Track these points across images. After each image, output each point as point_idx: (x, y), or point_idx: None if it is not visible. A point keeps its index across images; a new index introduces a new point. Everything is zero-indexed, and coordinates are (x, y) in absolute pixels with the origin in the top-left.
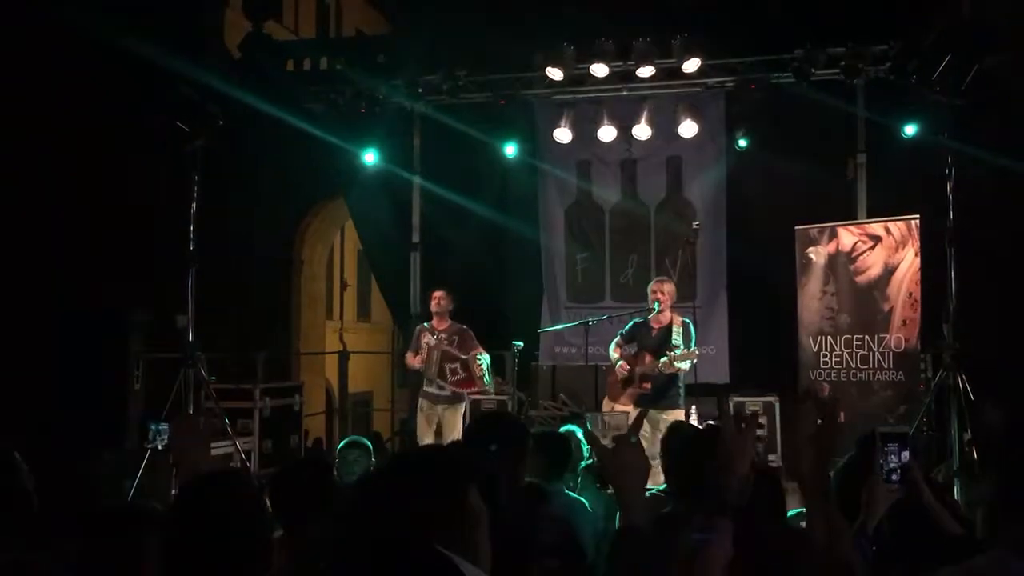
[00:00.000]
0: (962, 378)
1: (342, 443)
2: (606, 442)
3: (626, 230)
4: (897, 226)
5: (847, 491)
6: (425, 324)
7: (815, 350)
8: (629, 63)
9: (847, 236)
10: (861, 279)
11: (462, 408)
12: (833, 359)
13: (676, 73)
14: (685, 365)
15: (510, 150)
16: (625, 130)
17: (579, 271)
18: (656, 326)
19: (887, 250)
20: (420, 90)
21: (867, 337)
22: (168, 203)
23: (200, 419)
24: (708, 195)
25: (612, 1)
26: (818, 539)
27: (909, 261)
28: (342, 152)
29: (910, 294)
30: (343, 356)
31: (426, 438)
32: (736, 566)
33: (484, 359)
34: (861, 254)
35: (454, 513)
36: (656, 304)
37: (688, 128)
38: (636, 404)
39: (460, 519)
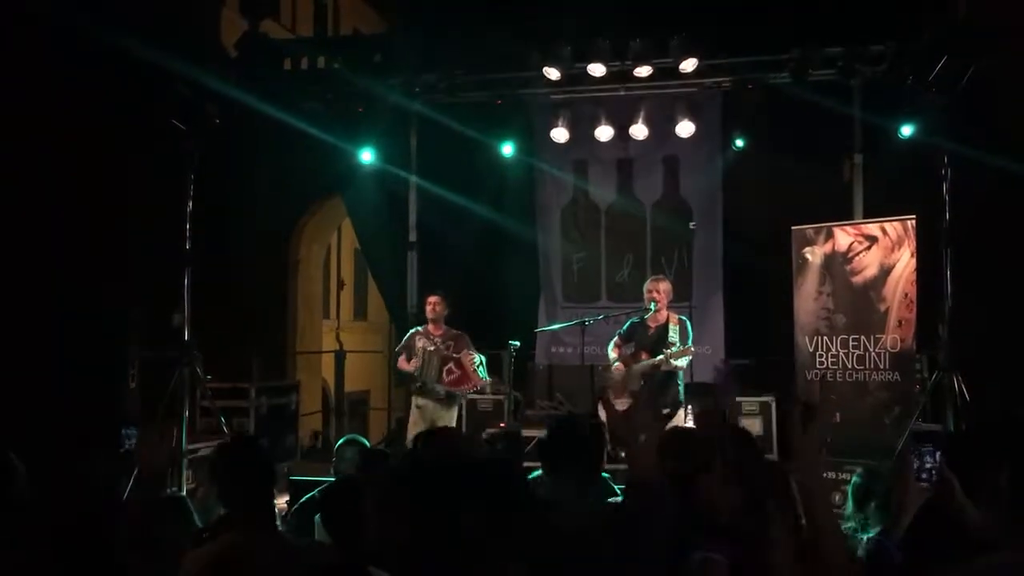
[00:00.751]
0: (958, 379)
1: (340, 441)
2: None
3: (622, 229)
4: (893, 226)
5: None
6: (419, 328)
7: (811, 350)
8: (626, 63)
9: (843, 236)
10: (857, 279)
11: (455, 409)
12: (829, 359)
13: (673, 73)
14: (682, 362)
15: (507, 149)
16: (622, 130)
17: (575, 270)
18: (653, 325)
19: (883, 250)
20: (417, 89)
21: (863, 337)
22: (165, 202)
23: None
24: (704, 195)
25: (609, 1)
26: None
27: (905, 262)
28: (339, 151)
29: (906, 294)
30: (339, 355)
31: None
32: None
33: (478, 356)
34: (857, 254)
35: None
36: (652, 304)
37: (685, 128)
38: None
39: None
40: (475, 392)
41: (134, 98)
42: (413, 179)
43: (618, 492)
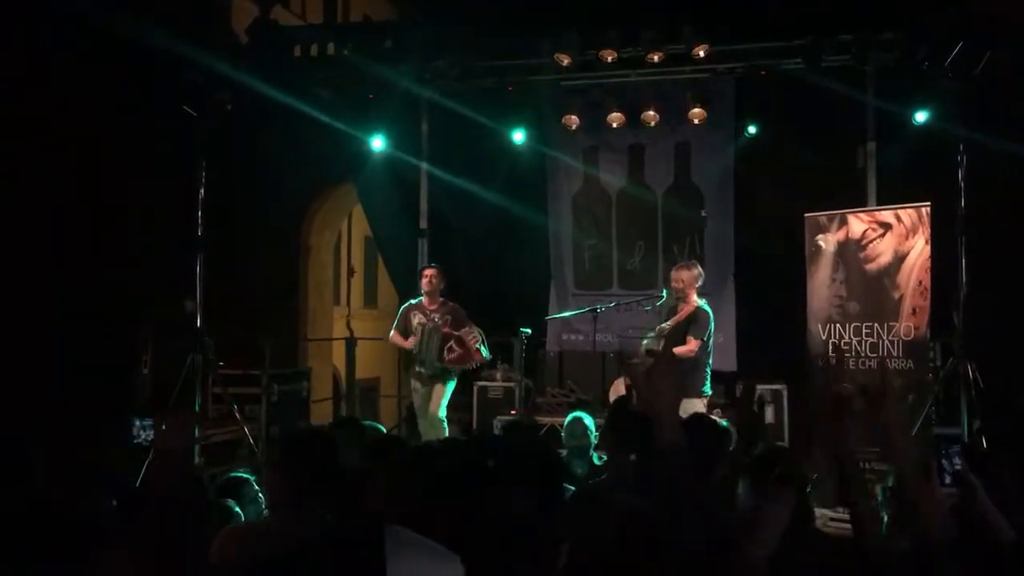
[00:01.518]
0: (972, 366)
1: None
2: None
3: (633, 216)
4: (908, 213)
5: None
6: (412, 302)
7: (824, 338)
8: (638, 49)
9: (857, 224)
10: (871, 267)
11: (453, 381)
12: (842, 347)
13: (685, 59)
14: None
15: (518, 136)
16: (633, 116)
17: (587, 258)
18: (680, 313)
19: (897, 238)
20: (427, 76)
21: (876, 325)
22: (176, 189)
23: (188, 413)
24: (716, 182)
25: None
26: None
27: (919, 249)
28: (350, 138)
29: (920, 282)
30: (350, 342)
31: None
32: None
33: (479, 332)
34: (871, 242)
35: None
36: (664, 292)
37: (697, 114)
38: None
39: None
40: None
41: (146, 84)
42: (424, 166)
43: None
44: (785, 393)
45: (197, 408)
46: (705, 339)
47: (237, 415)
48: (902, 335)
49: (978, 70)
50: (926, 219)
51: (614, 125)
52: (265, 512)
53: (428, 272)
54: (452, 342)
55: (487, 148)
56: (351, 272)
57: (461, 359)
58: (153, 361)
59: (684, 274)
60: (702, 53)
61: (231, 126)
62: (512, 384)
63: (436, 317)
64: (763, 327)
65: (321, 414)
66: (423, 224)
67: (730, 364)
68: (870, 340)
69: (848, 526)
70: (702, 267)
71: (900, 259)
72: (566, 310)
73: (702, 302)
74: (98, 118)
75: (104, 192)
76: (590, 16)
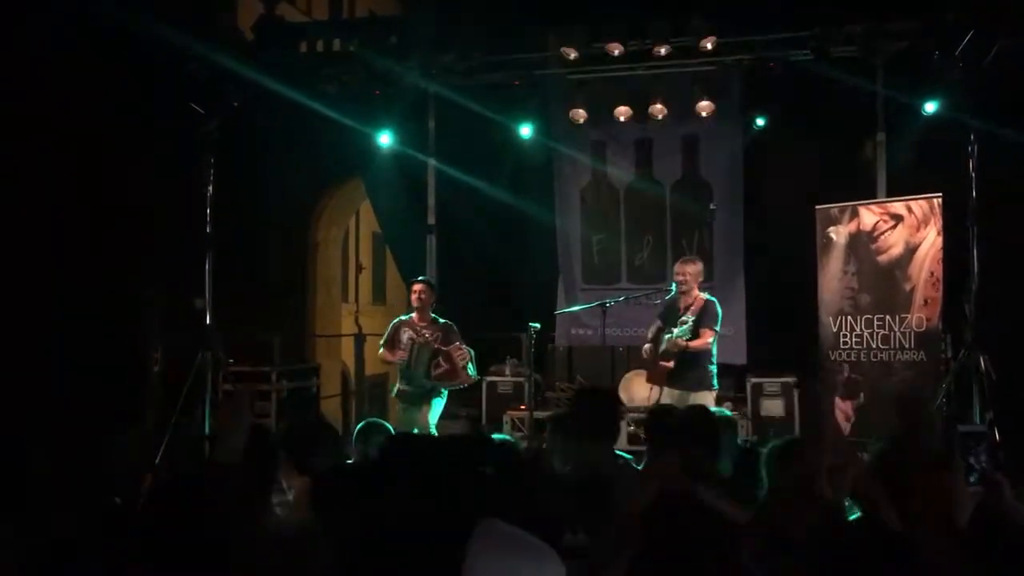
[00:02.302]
0: (984, 358)
1: (360, 424)
2: None
3: (641, 210)
4: (919, 205)
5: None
6: (403, 318)
7: (835, 330)
8: (645, 42)
9: (868, 215)
10: (882, 258)
11: (443, 400)
12: (853, 339)
13: (692, 52)
14: (696, 342)
15: (525, 131)
16: (640, 110)
17: (595, 252)
18: (683, 306)
19: (909, 229)
20: (434, 71)
21: (888, 317)
22: (183, 186)
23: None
24: (725, 175)
25: None
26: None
27: (931, 240)
28: (357, 134)
29: (932, 273)
30: (359, 339)
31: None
32: None
33: (469, 351)
34: (882, 233)
35: None
36: (673, 285)
37: (705, 107)
38: (667, 383)
39: None
40: (496, 375)
41: (153, 81)
42: (431, 161)
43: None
44: (795, 386)
45: (208, 406)
46: (718, 330)
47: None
48: (914, 327)
49: (988, 59)
50: (937, 210)
51: (621, 119)
52: None
53: (417, 287)
54: (440, 357)
55: (494, 143)
56: (359, 268)
57: (448, 375)
58: (163, 359)
59: (690, 267)
60: (709, 45)
61: (238, 123)
62: (521, 379)
63: (427, 334)
64: (774, 320)
65: (330, 410)
66: (431, 220)
67: (740, 357)
68: (882, 332)
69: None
70: (712, 261)
71: (912, 251)
72: (574, 305)
73: (707, 295)
74: (104, 116)
75: (111, 190)
76: (596, 9)
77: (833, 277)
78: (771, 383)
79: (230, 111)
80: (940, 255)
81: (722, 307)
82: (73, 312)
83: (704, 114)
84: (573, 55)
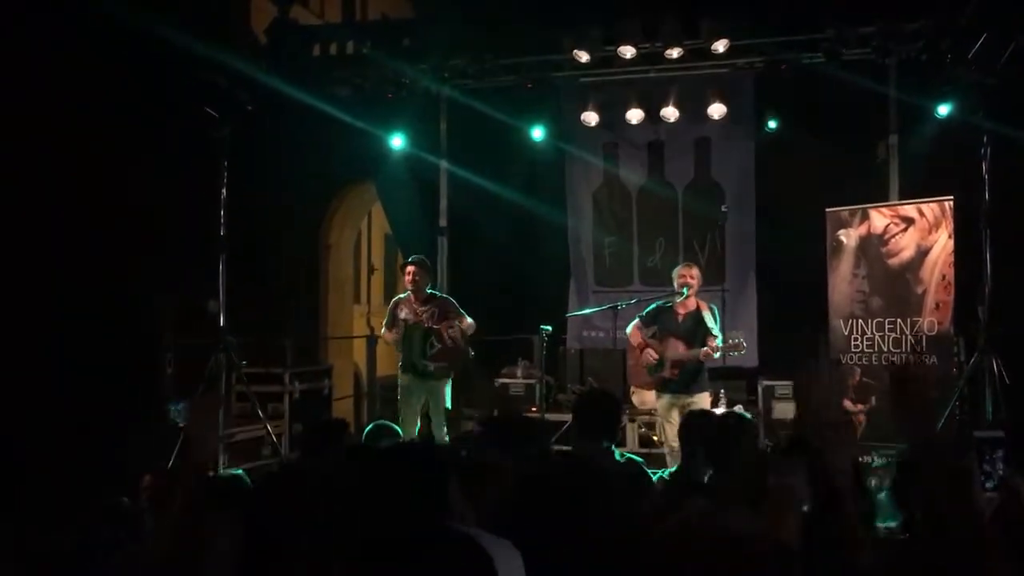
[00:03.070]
0: (997, 361)
1: (370, 426)
2: None
3: (653, 213)
4: (930, 208)
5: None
6: (401, 296)
7: (846, 333)
8: (657, 44)
9: (879, 218)
10: (893, 262)
11: (448, 386)
12: (864, 343)
13: (704, 54)
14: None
15: (537, 133)
16: (653, 112)
17: (607, 255)
18: (682, 311)
19: (920, 232)
20: (446, 74)
21: (899, 320)
22: (197, 189)
23: (217, 398)
24: (737, 177)
25: None
26: None
27: (943, 243)
28: (369, 137)
29: (943, 276)
30: (371, 340)
31: (409, 418)
32: None
33: (463, 328)
34: (893, 236)
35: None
36: (685, 289)
37: (717, 110)
38: (660, 390)
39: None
40: (507, 377)
41: (167, 85)
42: (443, 164)
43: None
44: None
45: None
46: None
47: (260, 413)
48: (926, 330)
49: (1002, 62)
50: (949, 213)
51: (633, 121)
52: None
53: (410, 269)
54: (433, 337)
55: (506, 145)
56: (371, 270)
57: (439, 356)
58: (177, 361)
59: (696, 271)
60: (721, 48)
61: (251, 126)
62: (533, 381)
63: (423, 312)
64: (784, 323)
65: (343, 412)
66: (442, 222)
67: (751, 360)
68: (893, 335)
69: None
70: (723, 263)
71: (923, 253)
72: (586, 307)
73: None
74: (118, 120)
75: (126, 193)
76: (609, 12)
77: (843, 280)
78: (783, 386)
79: (244, 115)
80: (952, 258)
81: (733, 309)
82: (87, 314)
83: (716, 116)
84: (585, 58)
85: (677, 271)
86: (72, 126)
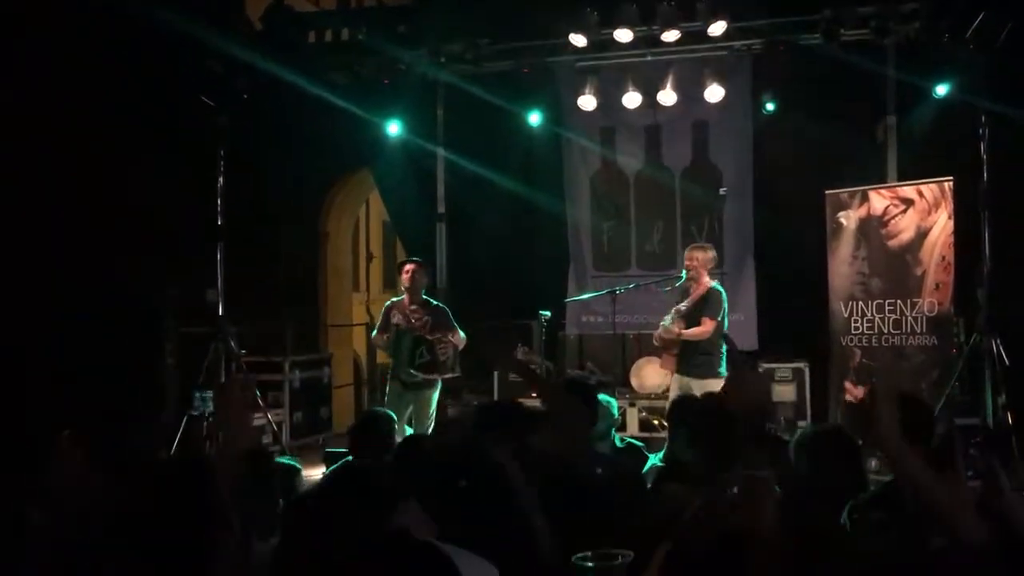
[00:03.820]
0: (996, 341)
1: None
2: None
3: (651, 197)
4: (930, 188)
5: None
6: (395, 300)
7: (846, 315)
8: (653, 27)
9: (878, 200)
10: (893, 243)
11: (435, 393)
12: (864, 324)
13: (701, 37)
14: (693, 330)
15: (534, 118)
16: (650, 96)
17: (605, 239)
18: (692, 293)
19: (919, 213)
20: (443, 60)
21: (899, 302)
22: (194, 178)
23: (242, 384)
24: (735, 160)
25: None
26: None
27: (942, 224)
28: (366, 124)
29: (943, 257)
30: (370, 328)
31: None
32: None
33: (455, 344)
34: (893, 218)
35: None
36: (684, 272)
37: (714, 93)
38: (676, 369)
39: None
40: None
41: (165, 74)
42: (440, 150)
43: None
44: (807, 371)
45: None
46: (720, 319)
47: (260, 402)
48: (925, 311)
49: (1000, 41)
50: (948, 194)
51: (631, 105)
52: None
53: (409, 267)
54: (423, 347)
55: (503, 131)
56: (370, 257)
57: (427, 368)
58: (177, 350)
59: (699, 254)
60: (718, 30)
61: (247, 114)
62: (533, 367)
63: (415, 318)
64: (784, 305)
65: (343, 400)
66: (440, 208)
67: (751, 343)
68: (893, 317)
69: None
70: (722, 246)
71: (923, 235)
72: (585, 292)
73: (714, 283)
74: (115, 110)
75: (123, 183)
76: None
77: (843, 262)
78: (783, 368)
79: (240, 103)
80: (951, 239)
81: (732, 293)
82: (86, 305)
83: (714, 100)
84: (582, 42)
85: (685, 254)
86: (69, 117)
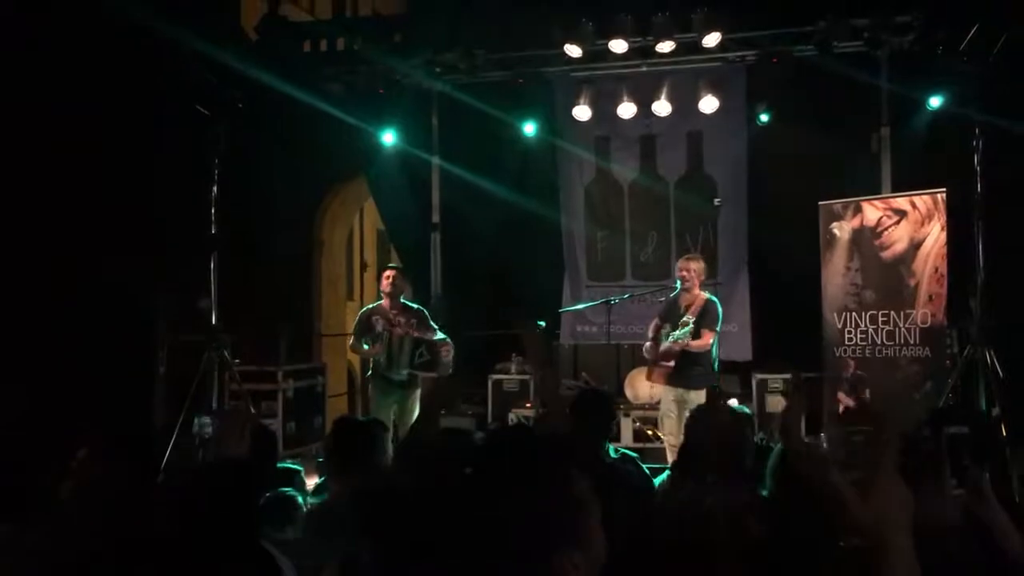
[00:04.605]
0: (990, 353)
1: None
2: None
3: (645, 207)
4: (923, 200)
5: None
6: (371, 307)
7: (840, 326)
8: (648, 38)
9: (872, 211)
10: (886, 254)
11: (418, 392)
12: (858, 335)
13: (696, 48)
14: (694, 343)
15: (529, 128)
16: (645, 106)
17: (599, 249)
18: (685, 304)
19: (913, 225)
20: (438, 69)
21: (893, 313)
22: (190, 186)
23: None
24: (729, 171)
25: None
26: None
27: (935, 235)
28: (361, 133)
29: (936, 269)
30: None
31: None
32: None
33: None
34: (886, 229)
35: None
36: (678, 282)
37: (709, 103)
38: (667, 382)
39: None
40: (502, 373)
41: (159, 83)
42: (435, 160)
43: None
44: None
45: (214, 405)
46: (718, 331)
47: (253, 411)
48: (919, 322)
49: (994, 53)
50: (942, 205)
51: (625, 116)
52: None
53: (389, 273)
54: (423, 348)
55: (498, 141)
56: (364, 266)
57: (427, 367)
58: (169, 359)
59: (694, 265)
60: (713, 42)
61: (243, 123)
62: (527, 377)
63: (401, 320)
64: (777, 316)
65: (337, 409)
66: (435, 218)
67: (745, 354)
68: (886, 328)
69: None
70: (716, 256)
71: (916, 246)
72: (580, 302)
73: (708, 294)
74: (109, 118)
75: (118, 191)
76: (600, 6)
77: (837, 273)
78: (775, 379)
79: (235, 112)
80: (945, 250)
81: (726, 303)
82: (79, 313)
83: (708, 110)
84: (577, 52)
85: (677, 264)
86: (63, 124)
